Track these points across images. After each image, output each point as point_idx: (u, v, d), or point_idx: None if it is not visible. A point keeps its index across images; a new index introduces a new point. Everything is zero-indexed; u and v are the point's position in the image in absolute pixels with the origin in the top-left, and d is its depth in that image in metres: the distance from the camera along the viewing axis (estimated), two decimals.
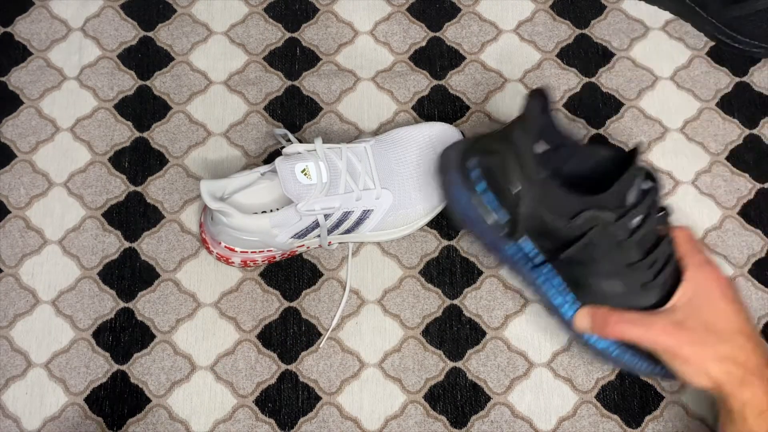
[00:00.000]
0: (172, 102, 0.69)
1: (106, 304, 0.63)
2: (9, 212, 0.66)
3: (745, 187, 0.66)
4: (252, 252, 0.61)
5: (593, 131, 0.68)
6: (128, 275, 0.64)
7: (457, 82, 0.70)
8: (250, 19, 0.72)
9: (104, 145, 0.68)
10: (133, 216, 0.65)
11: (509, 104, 0.69)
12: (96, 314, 0.62)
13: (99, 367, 0.61)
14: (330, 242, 0.63)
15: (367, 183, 0.59)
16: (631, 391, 0.60)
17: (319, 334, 0.62)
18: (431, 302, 0.63)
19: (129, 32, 0.72)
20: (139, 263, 0.64)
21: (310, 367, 0.61)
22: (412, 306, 0.63)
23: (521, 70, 0.70)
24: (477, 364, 0.61)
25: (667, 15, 0.71)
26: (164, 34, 0.72)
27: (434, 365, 0.61)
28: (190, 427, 0.59)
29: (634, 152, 0.53)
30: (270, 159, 0.67)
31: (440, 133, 0.63)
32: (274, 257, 0.62)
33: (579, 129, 0.68)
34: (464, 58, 0.71)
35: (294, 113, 0.69)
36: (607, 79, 0.69)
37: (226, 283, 0.63)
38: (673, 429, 0.59)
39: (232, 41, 0.72)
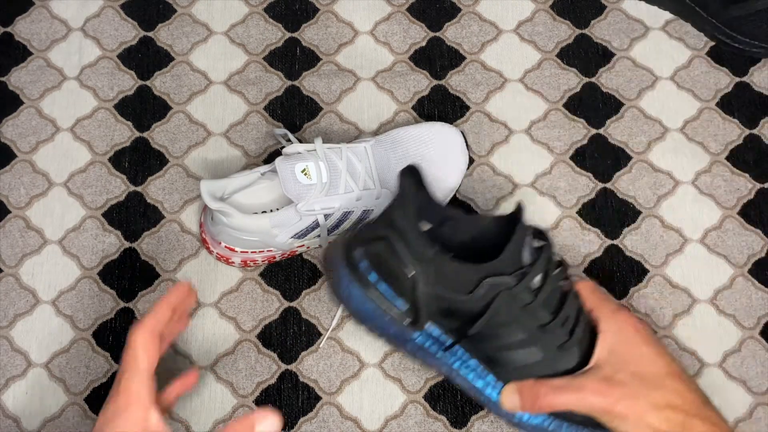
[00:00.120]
0: (172, 102, 0.69)
1: (106, 304, 0.63)
2: (9, 212, 0.66)
3: (745, 187, 0.66)
4: (252, 252, 0.61)
5: (593, 131, 0.68)
6: (128, 275, 0.64)
7: (457, 82, 0.70)
8: (250, 19, 0.72)
9: (104, 145, 0.68)
10: (133, 216, 0.65)
11: (509, 104, 0.69)
12: (96, 314, 0.62)
13: (99, 367, 0.61)
14: (330, 242, 0.63)
15: (367, 183, 0.60)
16: None
17: (319, 334, 0.62)
18: None
19: (129, 32, 0.72)
20: (139, 263, 0.64)
21: (310, 367, 0.61)
22: None
23: (521, 70, 0.70)
24: None
25: (667, 15, 0.72)
26: (164, 34, 0.72)
27: None
28: (190, 427, 0.59)
29: (518, 212, 0.51)
30: (270, 159, 0.67)
31: (440, 133, 0.63)
32: (274, 257, 0.62)
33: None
34: (464, 58, 0.71)
35: (294, 113, 0.69)
36: (607, 79, 0.70)
37: (226, 283, 0.63)
38: None
39: (232, 41, 0.72)
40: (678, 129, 0.68)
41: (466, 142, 0.63)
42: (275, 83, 0.70)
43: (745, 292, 0.62)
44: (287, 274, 0.64)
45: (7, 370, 0.61)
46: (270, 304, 0.63)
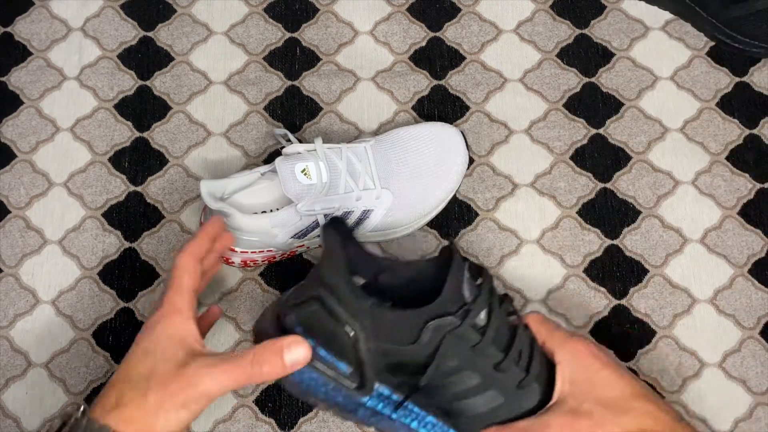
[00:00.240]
0: (172, 102, 0.69)
1: (106, 304, 0.63)
2: (9, 212, 0.66)
3: (745, 187, 0.66)
4: (252, 252, 0.61)
5: (593, 131, 0.68)
6: (128, 275, 0.64)
7: (457, 82, 0.70)
8: (250, 19, 0.72)
9: (104, 145, 0.68)
10: (133, 216, 0.65)
11: (509, 104, 0.69)
12: (96, 314, 0.62)
13: (99, 367, 0.61)
14: None
15: (367, 183, 0.59)
16: None
17: None
18: None
19: (129, 32, 0.72)
20: (139, 263, 0.64)
21: None
22: None
23: (521, 70, 0.70)
24: None
25: (667, 15, 0.72)
26: (164, 34, 0.72)
27: None
28: (190, 427, 0.59)
29: (451, 249, 0.49)
30: (270, 159, 0.67)
31: (440, 133, 0.63)
32: (274, 257, 0.62)
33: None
34: (464, 58, 0.71)
35: (294, 113, 0.69)
36: (607, 79, 0.70)
37: (226, 283, 0.63)
38: None
39: (232, 41, 0.72)
40: (678, 129, 0.68)
41: (466, 142, 0.63)
42: (275, 83, 0.70)
43: (745, 292, 0.62)
44: (287, 274, 0.64)
45: (7, 370, 0.61)
46: None
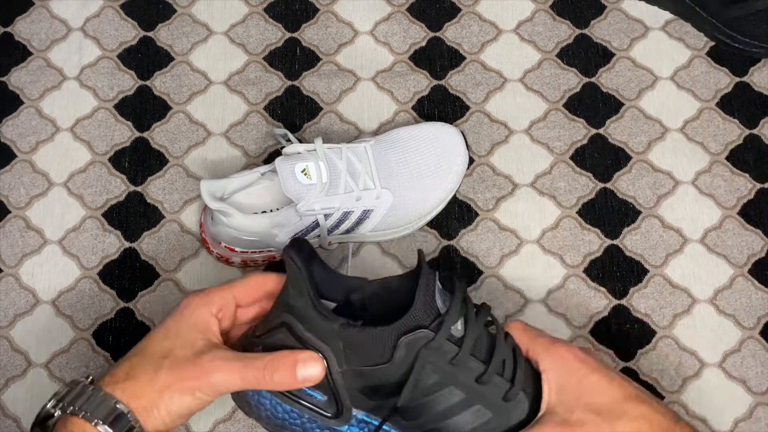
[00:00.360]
0: (172, 102, 0.69)
1: (106, 304, 0.63)
2: (9, 212, 0.66)
3: (745, 187, 0.66)
4: (252, 252, 0.61)
5: (593, 131, 0.68)
6: (128, 275, 0.64)
7: (457, 82, 0.70)
8: (250, 19, 0.72)
9: (104, 145, 0.68)
10: (133, 216, 0.65)
11: (509, 104, 0.69)
12: (96, 314, 0.62)
13: (99, 367, 0.61)
14: (330, 242, 0.63)
15: (367, 183, 0.59)
16: None
17: None
18: None
19: (129, 32, 0.72)
20: (139, 263, 0.64)
21: None
22: None
23: (521, 70, 0.70)
24: None
25: (667, 15, 0.72)
26: (164, 34, 0.72)
27: None
28: (189, 427, 0.59)
29: (420, 259, 0.47)
30: (270, 159, 0.67)
31: (440, 133, 0.63)
32: (274, 257, 0.62)
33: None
34: (464, 58, 0.71)
35: (294, 113, 0.69)
36: (607, 79, 0.70)
37: None
38: None
39: (232, 41, 0.72)
40: (678, 129, 0.68)
41: (466, 142, 0.63)
42: (275, 83, 0.70)
43: (745, 292, 0.62)
44: None
45: (7, 370, 0.61)
46: None
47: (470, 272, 0.63)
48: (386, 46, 0.71)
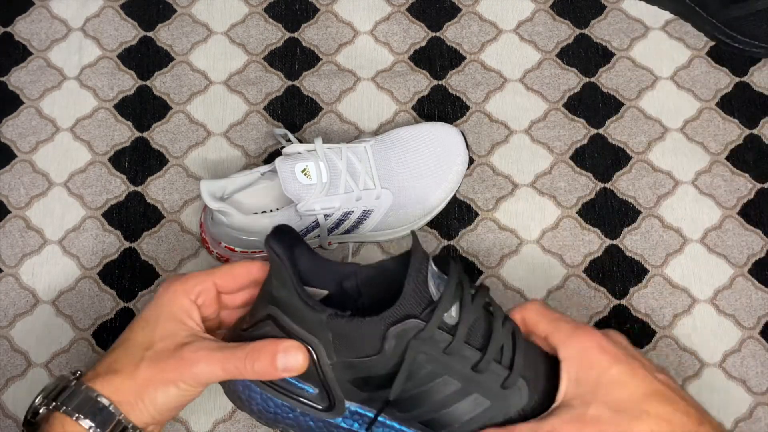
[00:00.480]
0: (172, 102, 0.69)
1: (106, 304, 0.63)
2: (9, 212, 0.66)
3: (745, 187, 0.66)
4: (252, 252, 0.61)
5: (593, 131, 0.68)
6: (128, 275, 0.64)
7: (457, 82, 0.70)
8: (250, 19, 0.72)
9: (104, 145, 0.68)
10: (133, 216, 0.65)
11: (509, 104, 0.69)
12: (96, 314, 0.62)
13: None
14: (330, 242, 0.63)
15: (367, 183, 0.60)
16: None
17: None
18: None
19: (129, 32, 0.72)
20: (139, 263, 0.64)
21: None
22: None
23: (521, 70, 0.70)
24: None
25: (667, 15, 0.72)
26: (164, 34, 0.72)
27: None
28: (190, 427, 0.59)
29: (413, 241, 0.45)
30: (270, 159, 0.67)
31: (440, 133, 0.63)
32: None
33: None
34: (464, 58, 0.71)
35: (294, 113, 0.69)
36: (607, 79, 0.70)
37: None
38: None
39: (232, 41, 0.72)
40: (678, 129, 0.68)
41: (466, 142, 0.63)
42: (275, 83, 0.70)
43: (745, 292, 0.62)
44: None
45: (7, 370, 0.61)
46: None
47: (470, 272, 0.63)
48: (386, 46, 0.71)
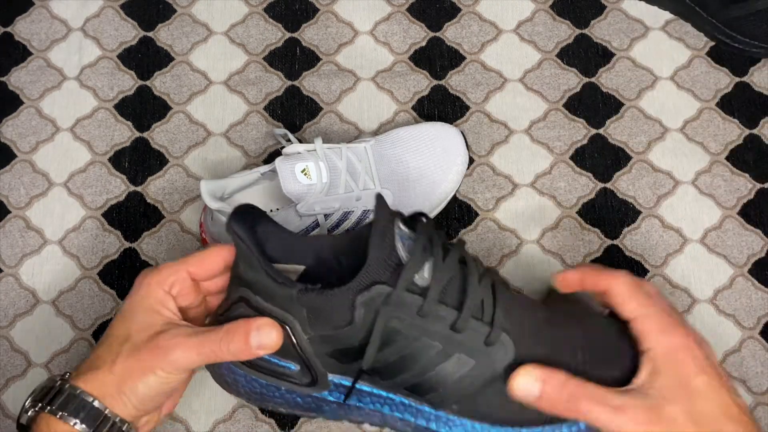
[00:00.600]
0: (172, 102, 0.69)
1: (106, 304, 0.63)
2: (9, 212, 0.66)
3: (745, 187, 0.66)
4: None
5: (593, 131, 0.68)
6: (128, 275, 0.64)
7: (457, 82, 0.70)
8: (250, 19, 0.72)
9: (104, 145, 0.68)
10: (133, 216, 0.65)
11: (509, 104, 0.69)
12: (96, 314, 0.62)
13: None
14: None
15: (367, 183, 0.60)
16: None
17: None
18: None
19: (129, 32, 0.72)
20: (139, 263, 0.64)
21: None
22: None
23: (521, 70, 0.70)
24: None
25: (667, 15, 0.72)
26: (164, 34, 0.72)
27: None
28: (190, 427, 0.59)
29: (377, 203, 0.43)
30: (270, 159, 0.67)
31: (440, 133, 0.63)
32: None
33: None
34: (464, 58, 0.71)
35: (294, 113, 0.69)
36: (607, 79, 0.70)
37: None
38: None
39: (232, 41, 0.72)
40: (678, 129, 0.68)
41: (466, 142, 0.63)
42: (275, 83, 0.70)
43: (745, 292, 0.62)
44: None
45: (7, 370, 0.61)
46: None
47: None
48: (386, 46, 0.71)
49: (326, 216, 0.59)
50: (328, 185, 0.58)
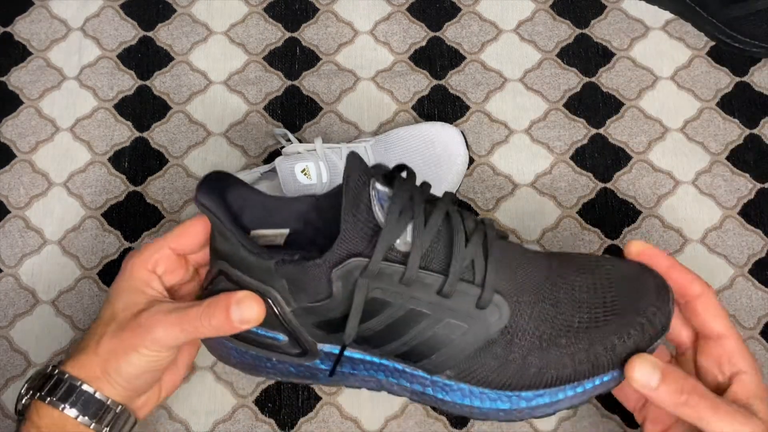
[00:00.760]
0: (172, 102, 0.69)
1: None
2: (9, 212, 0.66)
3: (745, 186, 0.66)
4: None
5: (593, 131, 0.68)
6: None
7: (457, 81, 0.70)
8: (250, 18, 0.72)
9: (104, 145, 0.68)
10: (133, 216, 0.65)
11: (509, 104, 0.69)
12: (95, 314, 0.62)
13: None
14: None
15: None
16: None
17: None
18: None
19: (129, 32, 0.72)
20: None
21: None
22: None
23: (521, 69, 0.70)
24: None
25: (667, 15, 0.72)
26: (164, 34, 0.72)
27: None
28: (189, 427, 0.59)
29: (348, 164, 0.40)
30: (270, 159, 0.67)
31: (440, 133, 0.63)
32: None
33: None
34: (464, 58, 0.71)
35: (294, 113, 0.69)
36: (608, 79, 0.69)
37: None
38: None
39: (231, 41, 0.72)
40: (678, 129, 0.68)
41: (466, 142, 0.63)
42: (275, 83, 0.70)
43: (745, 292, 0.62)
44: None
45: (7, 370, 0.61)
46: None
47: None
48: (386, 46, 0.71)
49: None
50: (328, 185, 0.58)
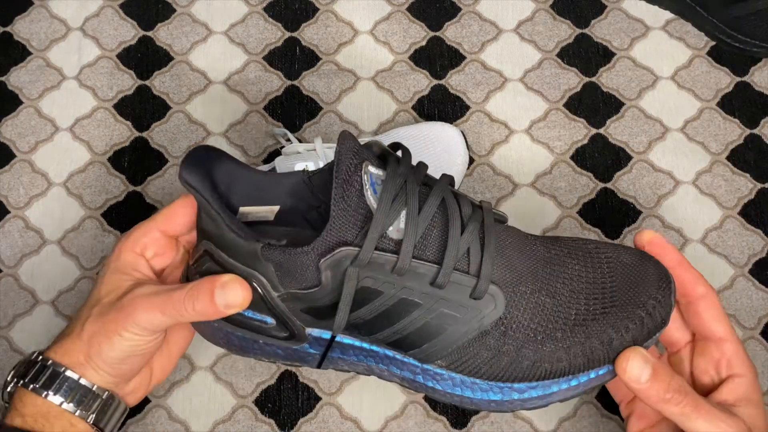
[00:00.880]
0: (172, 102, 0.69)
1: None
2: (8, 212, 0.65)
3: (745, 186, 0.66)
4: None
5: (594, 131, 0.68)
6: None
7: (457, 81, 0.70)
8: (250, 18, 0.72)
9: (104, 144, 0.68)
10: (132, 216, 0.65)
11: (509, 104, 0.69)
12: None
13: None
14: None
15: None
16: None
17: None
18: None
19: (128, 32, 0.72)
20: None
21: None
22: None
23: (522, 69, 0.70)
24: None
25: (667, 14, 0.71)
26: (164, 34, 0.72)
27: None
28: (189, 427, 0.59)
29: (339, 146, 0.38)
30: (270, 159, 0.67)
31: (440, 133, 0.63)
32: None
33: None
34: (464, 58, 0.71)
35: (294, 113, 0.69)
36: (608, 79, 0.69)
37: None
38: None
39: (231, 41, 0.71)
40: (678, 129, 0.68)
41: (466, 142, 0.63)
42: (275, 83, 0.70)
43: (745, 292, 0.62)
44: None
45: (7, 370, 0.61)
46: None
47: None
48: (386, 46, 0.71)
49: None
50: None
